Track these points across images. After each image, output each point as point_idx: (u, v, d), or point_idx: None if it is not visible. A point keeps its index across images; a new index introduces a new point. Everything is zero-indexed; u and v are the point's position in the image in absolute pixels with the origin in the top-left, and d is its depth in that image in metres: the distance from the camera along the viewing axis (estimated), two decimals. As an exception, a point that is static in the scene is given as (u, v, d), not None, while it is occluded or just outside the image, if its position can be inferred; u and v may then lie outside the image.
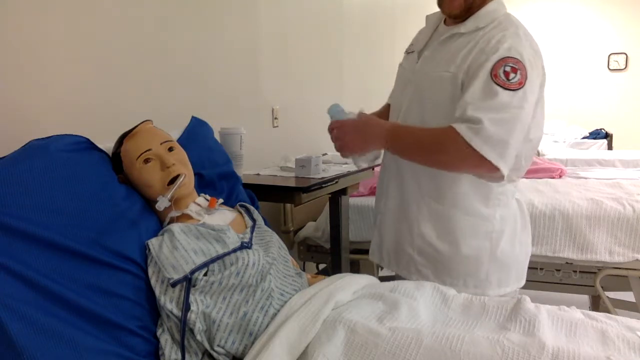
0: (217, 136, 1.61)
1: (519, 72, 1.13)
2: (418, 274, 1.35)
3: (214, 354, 1.00)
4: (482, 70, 1.15)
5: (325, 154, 2.47)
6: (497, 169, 1.13)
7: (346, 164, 2.12)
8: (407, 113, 1.33)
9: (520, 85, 1.12)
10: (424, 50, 1.34)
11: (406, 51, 1.46)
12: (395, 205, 1.38)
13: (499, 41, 1.17)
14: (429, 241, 1.31)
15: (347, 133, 1.24)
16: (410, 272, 1.36)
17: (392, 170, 1.38)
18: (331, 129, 1.28)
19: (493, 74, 1.13)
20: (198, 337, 1.00)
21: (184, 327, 1.00)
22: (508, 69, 1.13)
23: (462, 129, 1.11)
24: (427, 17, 1.41)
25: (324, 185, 1.70)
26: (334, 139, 1.27)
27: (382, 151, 1.33)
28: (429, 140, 1.19)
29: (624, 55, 6.02)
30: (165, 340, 1.01)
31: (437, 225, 1.30)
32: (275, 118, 2.41)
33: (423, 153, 1.21)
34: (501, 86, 1.12)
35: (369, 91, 3.53)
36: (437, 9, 1.32)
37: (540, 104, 1.23)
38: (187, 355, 1.00)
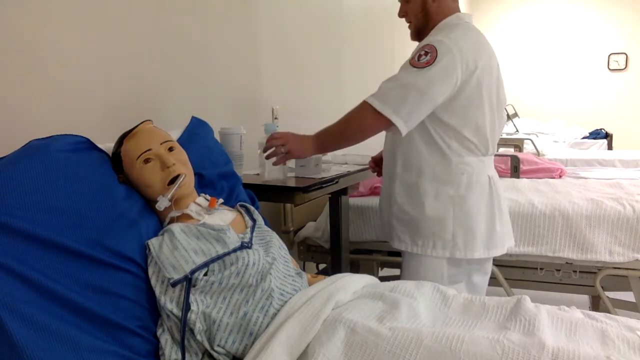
0: (217, 136, 1.61)
1: (429, 54, 1.36)
2: (399, 241, 1.57)
3: (214, 354, 1.00)
4: (408, 60, 1.41)
5: (325, 154, 2.47)
6: (391, 122, 1.36)
7: (346, 163, 2.12)
8: None
9: (428, 64, 1.35)
10: None
11: None
12: (385, 186, 1.65)
13: (425, 40, 1.44)
14: (401, 207, 1.54)
15: (290, 141, 1.47)
16: (393, 240, 1.59)
17: (385, 161, 1.65)
18: (274, 138, 1.48)
19: (411, 59, 1.40)
20: (198, 337, 1.00)
21: (184, 327, 1.00)
22: (422, 52, 1.38)
23: (366, 98, 1.40)
24: None
25: (324, 185, 1.70)
26: (281, 146, 1.46)
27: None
28: (342, 120, 1.45)
29: (624, 55, 6.02)
30: (166, 340, 1.01)
31: (407, 192, 1.53)
32: (276, 118, 2.40)
33: (341, 132, 1.45)
34: (412, 65, 1.37)
35: (369, 91, 3.53)
36: None
37: (472, 89, 1.42)
38: (187, 355, 1.00)
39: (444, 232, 1.48)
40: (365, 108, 1.40)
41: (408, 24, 1.58)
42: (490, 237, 1.52)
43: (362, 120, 1.40)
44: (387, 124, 1.38)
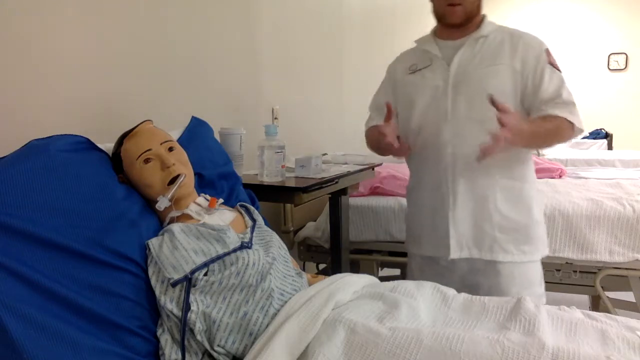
0: (217, 136, 1.61)
1: (551, 55, 1.45)
2: (504, 252, 1.47)
3: (214, 354, 1.00)
4: (542, 63, 1.43)
5: (325, 154, 2.47)
6: (581, 130, 1.43)
7: (346, 163, 2.12)
8: (456, 109, 1.47)
9: (559, 67, 1.45)
10: (452, 57, 1.48)
11: (410, 71, 1.59)
12: (468, 197, 1.48)
13: (529, 38, 1.47)
14: (507, 215, 1.46)
15: (518, 126, 1.27)
16: (496, 252, 1.48)
17: (454, 171, 1.48)
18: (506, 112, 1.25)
19: (550, 63, 1.43)
20: (198, 337, 1.00)
21: (184, 327, 1.00)
22: (552, 57, 1.45)
23: (570, 117, 1.39)
24: (418, 40, 1.62)
25: (324, 185, 1.70)
26: (510, 125, 1.23)
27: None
28: (553, 132, 1.41)
29: (624, 55, 6.01)
30: (166, 340, 1.01)
31: (511, 199, 1.47)
32: (276, 118, 2.40)
33: (550, 142, 1.47)
34: (557, 69, 1.44)
35: (369, 91, 3.53)
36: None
37: None
38: (187, 355, 1.00)
39: (543, 233, 1.53)
40: (570, 127, 1.41)
41: (456, 5, 1.44)
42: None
43: (566, 136, 1.44)
44: (579, 132, 1.44)
